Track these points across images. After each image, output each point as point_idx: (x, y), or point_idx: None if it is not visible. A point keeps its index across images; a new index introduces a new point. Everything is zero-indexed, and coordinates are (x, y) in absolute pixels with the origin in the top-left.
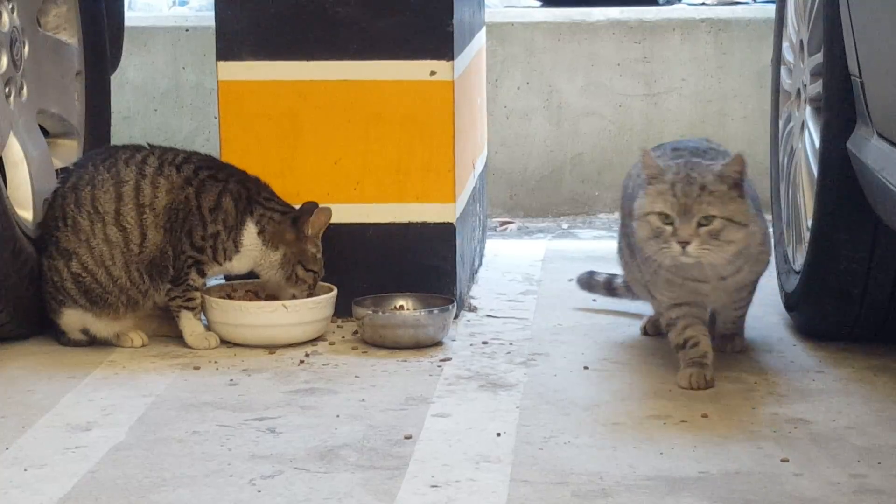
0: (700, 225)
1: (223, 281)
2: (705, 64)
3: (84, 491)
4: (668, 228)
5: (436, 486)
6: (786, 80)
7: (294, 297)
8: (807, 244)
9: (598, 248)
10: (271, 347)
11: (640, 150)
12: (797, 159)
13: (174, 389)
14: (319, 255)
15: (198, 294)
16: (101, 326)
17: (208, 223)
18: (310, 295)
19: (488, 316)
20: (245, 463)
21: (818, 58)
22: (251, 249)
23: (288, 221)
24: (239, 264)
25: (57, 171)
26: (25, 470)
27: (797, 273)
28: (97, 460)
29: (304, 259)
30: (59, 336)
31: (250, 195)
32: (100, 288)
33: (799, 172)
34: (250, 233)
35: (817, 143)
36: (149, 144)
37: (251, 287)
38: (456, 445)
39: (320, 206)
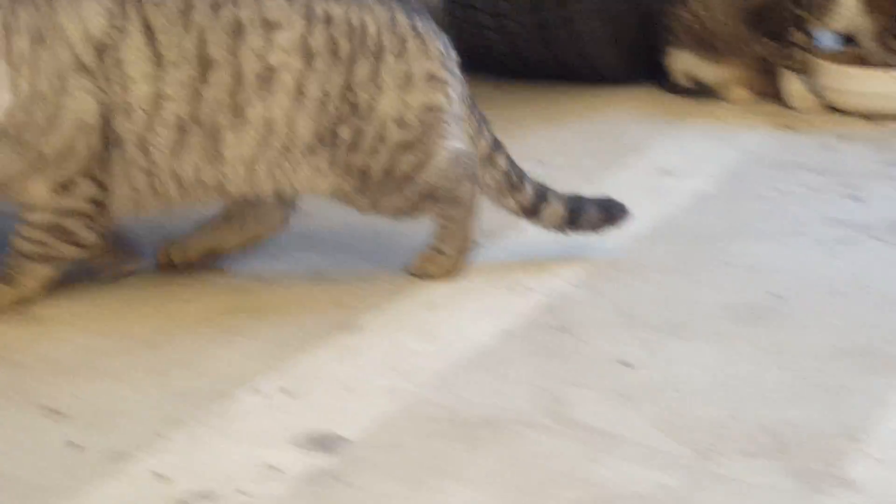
0: None
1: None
2: None
3: (663, 232)
4: None
5: None
6: None
7: None
8: None
9: None
10: (872, 116)
11: None
12: None
13: (765, 146)
14: None
15: (798, 52)
16: (706, 71)
17: None
18: None
19: None
20: (821, 226)
21: None
22: (845, 8)
23: None
24: (834, 23)
25: None
26: None
27: None
28: (679, 205)
29: None
30: (663, 82)
31: None
32: (703, 29)
33: None
34: None
35: None
36: None
37: (860, 53)
38: None
39: None
